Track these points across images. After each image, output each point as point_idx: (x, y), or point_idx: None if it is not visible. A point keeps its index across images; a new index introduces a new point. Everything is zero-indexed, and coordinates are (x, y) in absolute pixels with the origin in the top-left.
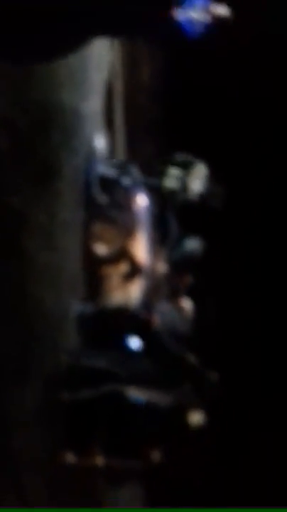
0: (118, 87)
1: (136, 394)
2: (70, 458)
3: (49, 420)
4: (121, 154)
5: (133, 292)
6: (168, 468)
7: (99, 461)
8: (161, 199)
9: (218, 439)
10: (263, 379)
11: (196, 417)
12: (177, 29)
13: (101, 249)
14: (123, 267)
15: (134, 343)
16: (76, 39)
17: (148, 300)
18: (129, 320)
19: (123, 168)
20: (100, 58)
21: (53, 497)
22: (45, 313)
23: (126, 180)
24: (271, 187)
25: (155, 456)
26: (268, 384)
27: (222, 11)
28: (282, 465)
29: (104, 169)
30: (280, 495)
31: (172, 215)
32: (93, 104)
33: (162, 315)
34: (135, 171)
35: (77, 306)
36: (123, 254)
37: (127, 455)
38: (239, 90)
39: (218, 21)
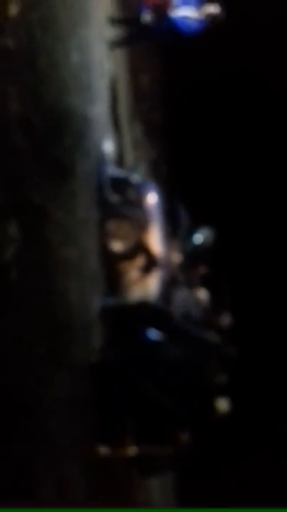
0: (122, 94)
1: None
2: (104, 450)
3: (80, 410)
4: (129, 156)
5: (152, 284)
6: (197, 457)
7: (132, 451)
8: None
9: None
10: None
11: (223, 403)
12: (174, 27)
13: (117, 245)
14: (139, 261)
15: (156, 334)
16: None
17: (166, 290)
18: (150, 313)
19: (132, 169)
20: (101, 65)
21: (89, 485)
22: (69, 305)
23: (135, 179)
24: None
25: (185, 439)
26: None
27: (215, 9)
28: None
29: (114, 170)
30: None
31: (182, 209)
32: (99, 109)
33: (179, 304)
34: (143, 171)
35: (99, 301)
36: (138, 248)
37: (158, 441)
38: (237, 93)
39: (211, 19)
